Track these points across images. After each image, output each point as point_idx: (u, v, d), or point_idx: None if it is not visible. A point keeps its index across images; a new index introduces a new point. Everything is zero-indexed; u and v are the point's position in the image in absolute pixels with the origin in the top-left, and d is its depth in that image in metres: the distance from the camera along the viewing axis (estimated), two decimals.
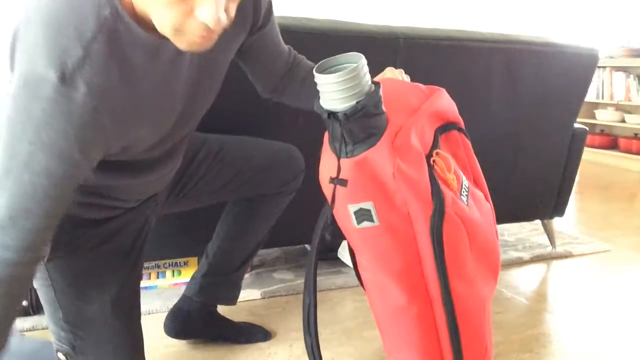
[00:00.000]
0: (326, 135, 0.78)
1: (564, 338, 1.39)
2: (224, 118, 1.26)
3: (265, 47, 0.96)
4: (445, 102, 0.92)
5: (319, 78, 0.71)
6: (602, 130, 4.39)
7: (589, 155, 4.18)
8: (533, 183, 1.88)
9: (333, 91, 0.70)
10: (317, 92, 0.73)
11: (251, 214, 1.18)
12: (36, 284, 0.90)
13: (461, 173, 0.88)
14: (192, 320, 1.23)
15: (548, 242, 2.06)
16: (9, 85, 0.65)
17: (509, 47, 1.61)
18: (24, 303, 1.33)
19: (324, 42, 1.36)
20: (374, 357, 1.26)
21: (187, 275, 1.56)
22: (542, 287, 1.72)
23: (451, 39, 1.52)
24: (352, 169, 0.72)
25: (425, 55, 1.50)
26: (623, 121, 4.07)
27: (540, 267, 1.90)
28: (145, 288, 1.52)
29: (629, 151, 3.95)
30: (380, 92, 0.73)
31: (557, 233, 2.14)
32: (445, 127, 0.91)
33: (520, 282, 1.75)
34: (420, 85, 0.93)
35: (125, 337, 0.92)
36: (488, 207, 0.93)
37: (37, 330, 1.30)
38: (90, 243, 0.87)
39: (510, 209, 1.90)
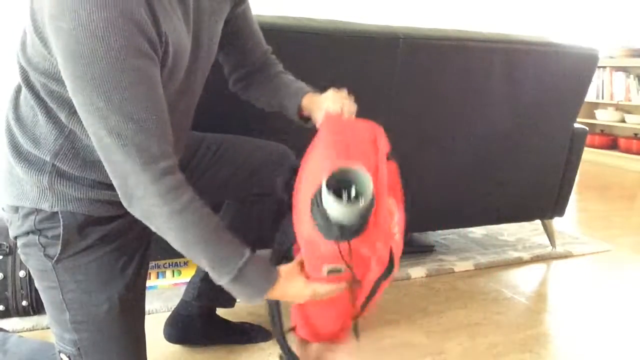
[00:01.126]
0: (304, 203, 0.81)
1: (564, 338, 1.39)
2: (219, 118, 1.26)
3: (244, 28, 1.03)
4: (384, 137, 1.00)
5: (332, 201, 0.73)
6: (602, 130, 4.39)
7: (589, 155, 4.18)
8: (533, 183, 1.88)
9: (341, 213, 0.74)
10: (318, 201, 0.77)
11: (247, 214, 1.18)
12: (41, 287, 0.89)
13: (393, 206, 0.98)
14: (193, 325, 1.23)
15: (548, 242, 2.06)
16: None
17: (509, 47, 1.61)
18: (24, 303, 1.33)
19: (324, 42, 1.36)
20: (374, 357, 1.26)
21: (187, 275, 1.56)
22: (542, 287, 1.72)
23: (451, 39, 1.52)
24: (339, 252, 0.80)
25: (425, 55, 1.50)
26: (623, 121, 4.07)
27: (540, 267, 1.90)
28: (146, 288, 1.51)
29: (629, 151, 3.95)
30: (374, 201, 0.78)
31: (557, 233, 2.14)
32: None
33: (520, 282, 1.75)
34: (363, 126, 0.96)
35: (130, 337, 0.93)
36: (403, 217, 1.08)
37: (37, 330, 1.30)
38: (99, 243, 0.87)
39: (510, 209, 1.90)
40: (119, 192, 0.77)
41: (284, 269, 0.86)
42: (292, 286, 0.85)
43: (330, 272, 0.83)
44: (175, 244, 0.79)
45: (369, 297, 0.91)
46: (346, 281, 0.86)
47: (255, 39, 1.07)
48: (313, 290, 0.85)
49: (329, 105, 0.95)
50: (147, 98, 0.72)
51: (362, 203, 0.74)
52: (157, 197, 0.74)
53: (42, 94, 0.79)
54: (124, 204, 0.78)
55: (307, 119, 1.02)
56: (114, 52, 0.66)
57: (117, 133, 0.71)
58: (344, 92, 0.98)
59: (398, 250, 0.93)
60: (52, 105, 0.79)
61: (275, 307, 0.94)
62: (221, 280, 0.81)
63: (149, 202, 0.75)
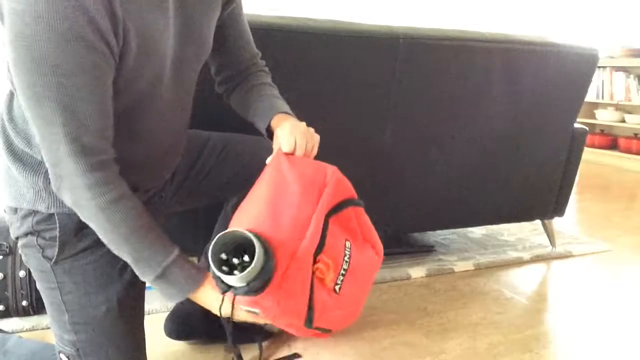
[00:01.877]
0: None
1: (564, 338, 1.39)
2: (220, 117, 1.26)
3: (234, 29, 1.01)
4: (338, 184, 0.99)
5: (217, 273, 0.79)
6: (602, 130, 4.39)
7: (589, 155, 4.18)
8: (533, 183, 1.88)
9: (230, 282, 0.79)
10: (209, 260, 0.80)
11: None
12: (42, 287, 0.89)
13: (345, 251, 1.00)
14: (193, 321, 1.23)
15: (548, 242, 2.06)
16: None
17: (509, 47, 1.61)
18: (24, 303, 1.33)
19: (324, 42, 1.36)
20: (374, 357, 1.26)
21: None
22: (542, 287, 1.72)
23: (451, 39, 1.52)
24: (241, 302, 0.85)
25: (425, 55, 1.50)
26: (623, 121, 4.07)
27: (540, 267, 1.90)
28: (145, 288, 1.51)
29: (629, 151, 3.95)
30: (271, 264, 0.80)
31: (557, 233, 2.14)
32: (338, 207, 1.00)
33: (520, 282, 1.75)
34: (313, 168, 0.95)
35: (129, 338, 0.93)
36: (369, 257, 1.09)
37: (37, 330, 1.30)
38: (96, 244, 0.87)
39: (510, 209, 1.90)
40: (50, 177, 0.77)
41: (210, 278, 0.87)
42: (215, 298, 0.85)
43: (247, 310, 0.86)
44: (101, 237, 0.80)
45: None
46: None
47: (243, 41, 1.05)
48: (233, 311, 0.85)
49: (282, 142, 0.93)
50: (86, 89, 0.70)
51: (244, 272, 0.77)
52: (84, 190, 0.75)
53: None
54: (54, 189, 0.78)
55: None
56: (56, 36, 0.65)
57: (51, 120, 0.70)
58: (302, 126, 0.95)
59: (335, 302, 0.95)
60: None
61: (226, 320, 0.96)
62: (144, 277, 0.82)
63: (76, 193, 0.75)
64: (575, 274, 1.84)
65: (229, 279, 0.79)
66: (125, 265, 0.91)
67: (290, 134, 0.92)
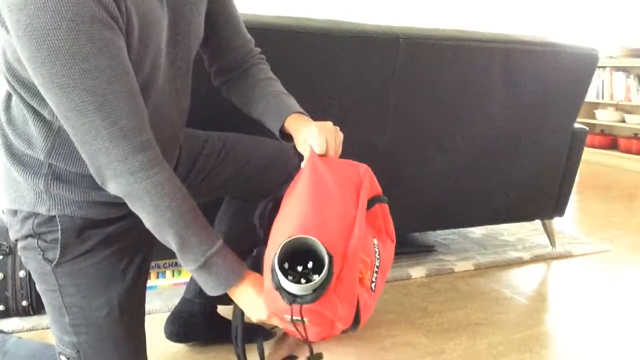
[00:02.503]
0: (268, 259, 0.81)
1: (564, 338, 1.39)
2: (220, 116, 1.26)
3: (226, 19, 0.99)
4: (371, 184, 0.99)
5: (284, 280, 0.73)
6: (602, 130, 4.39)
7: (589, 155, 4.18)
8: (533, 183, 1.88)
9: (295, 290, 0.74)
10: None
11: (248, 212, 1.18)
12: (42, 290, 0.89)
13: (375, 249, 0.98)
14: (194, 323, 1.23)
15: (548, 242, 2.06)
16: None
17: (509, 47, 1.61)
18: (24, 303, 1.33)
19: (324, 42, 1.36)
20: (374, 357, 1.26)
21: (187, 275, 1.56)
22: (542, 287, 1.72)
23: (451, 39, 1.52)
24: (297, 312, 0.79)
25: (425, 55, 1.50)
26: (623, 121, 4.07)
27: (540, 267, 1.90)
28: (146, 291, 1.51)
29: (629, 151, 3.95)
30: (332, 272, 0.76)
31: (557, 233, 2.14)
32: (368, 205, 0.99)
33: (520, 282, 1.75)
34: (348, 167, 0.95)
35: (129, 340, 0.92)
36: (390, 250, 1.08)
37: (37, 330, 1.30)
38: (98, 246, 0.87)
39: (510, 209, 1.90)
40: (92, 172, 0.75)
41: (254, 275, 0.85)
42: (253, 297, 0.84)
43: (294, 321, 0.82)
44: (146, 223, 0.78)
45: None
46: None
47: (233, 26, 1.01)
48: (267, 318, 0.83)
49: (313, 144, 0.91)
50: (110, 69, 0.68)
51: (315, 281, 0.73)
52: (128, 175, 0.73)
53: (22, 92, 0.78)
54: (99, 183, 0.76)
55: (290, 138, 0.99)
56: (67, 22, 0.64)
57: (83, 109, 0.68)
58: (329, 125, 0.94)
59: (372, 300, 0.93)
60: (32, 103, 0.78)
61: (240, 319, 0.95)
62: (187, 265, 0.80)
63: (120, 181, 0.74)
64: (575, 274, 1.84)
65: (296, 289, 0.74)
66: (127, 267, 0.91)
67: (320, 134, 0.91)
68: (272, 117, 1.00)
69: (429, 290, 1.65)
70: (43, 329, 1.30)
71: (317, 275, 0.74)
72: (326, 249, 0.76)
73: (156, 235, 0.80)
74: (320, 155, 0.92)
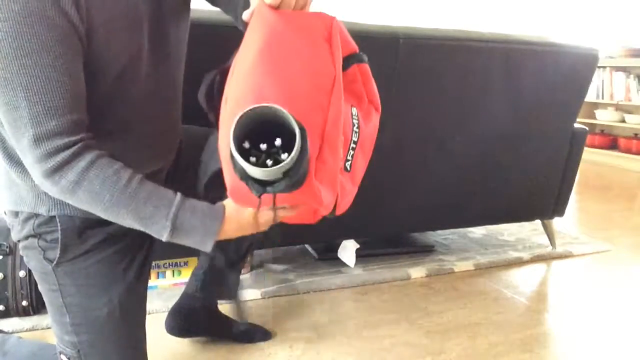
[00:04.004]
0: (222, 135, 0.68)
1: (565, 338, 1.39)
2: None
3: None
4: (343, 38, 0.81)
5: (244, 165, 0.59)
6: (602, 130, 4.39)
7: (589, 155, 4.18)
8: (533, 183, 1.88)
9: (263, 176, 0.61)
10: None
11: None
12: (43, 289, 0.89)
13: (353, 120, 0.82)
14: (195, 318, 1.23)
15: (548, 242, 2.06)
16: None
17: (509, 47, 1.61)
18: (24, 303, 1.33)
19: None
20: (374, 357, 1.26)
21: (187, 275, 1.56)
22: (542, 287, 1.72)
23: (451, 39, 1.52)
24: (274, 200, 0.67)
25: (425, 55, 1.50)
26: (623, 121, 4.07)
27: (540, 267, 1.90)
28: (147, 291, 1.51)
29: (629, 151, 3.95)
30: (307, 148, 0.62)
31: (557, 233, 2.14)
32: (343, 65, 0.81)
33: (520, 282, 1.75)
34: (312, 17, 0.76)
35: (130, 339, 0.92)
36: (374, 123, 0.92)
37: (37, 330, 1.30)
38: (98, 246, 0.87)
39: (510, 209, 1.90)
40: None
41: (228, 201, 0.78)
42: (244, 216, 0.76)
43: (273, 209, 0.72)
44: (100, 215, 0.75)
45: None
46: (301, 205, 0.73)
47: None
48: (270, 215, 0.76)
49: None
50: (51, 68, 0.66)
51: (285, 162, 0.59)
52: (46, 177, 0.71)
53: None
54: (37, 184, 0.74)
55: None
56: (13, 15, 0.62)
57: (14, 105, 0.67)
58: None
59: (348, 182, 0.80)
60: None
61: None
62: (161, 237, 0.75)
63: (47, 180, 0.71)
64: (575, 274, 1.84)
65: (262, 174, 0.60)
66: (127, 267, 0.90)
67: None
68: (232, 8, 0.89)
69: (429, 290, 1.65)
70: (43, 329, 1.30)
71: (286, 155, 0.60)
72: (296, 120, 0.59)
73: (122, 224, 0.76)
74: (272, 8, 0.73)
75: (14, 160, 0.82)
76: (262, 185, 0.62)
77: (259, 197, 0.63)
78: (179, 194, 0.77)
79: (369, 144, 0.90)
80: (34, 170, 0.72)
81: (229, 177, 0.67)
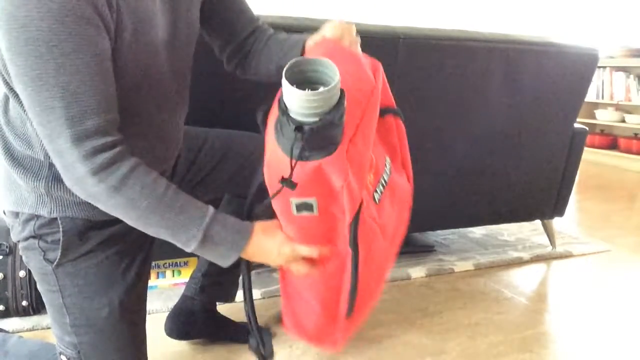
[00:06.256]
0: (272, 123, 0.75)
1: (564, 338, 1.39)
2: (219, 114, 1.26)
3: (229, 2, 0.98)
4: (385, 85, 0.91)
5: (291, 91, 0.67)
6: (602, 130, 4.39)
7: (589, 155, 4.18)
8: (533, 183, 1.88)
9: (303, 106, 0.68)
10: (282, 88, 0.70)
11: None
12: (43, 290, 0.89)
13: (386, 164, 0.88)
14: (195, 320, 1.23)
15: (548, 242, 2.06)
16: None
17: (509, 47, 1.61)
18: (24, 303, 1.33)
19: None
20: (373, 357, 1.26)
21: (187, 275, 1.56)
22: (542, 287, 1.72)
23: (451, 39, 1.52)
24: (305, 175, 0.72)
25: (425, 55, 1.50)
26: (623, 121, 4.07)
27: (540, 267, 1.90)
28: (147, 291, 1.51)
29: (629, 151, 3.95)
30: (344, 105, 0.71)
31: (557, 233, 2.14)
32: (379, 111, 0.90)
33: (520, 282, 1.75)
34: (362, 58, 0.88)
35: (130, 340, 0.92)
36: (406, 188, 0.98)
37: (37, 330, 1.30)
38: (99, 247, 0.87)
39: (510, 209, 1.90)
40: (61, 174, 0.73)
41: (260, 223, 0.82)
42: (270, 241, 0.80)
43: (299, 208, 0.75)
44: (129, 221, 0.76)
45: (353, 290, 0.82)
46: (326, 248, 0.79)
47: (241, 8, 1.01)
48: (292, 249, 0.80)
49: (328, 31, 0.87)
50: (86, 68, 0.67)
51: (326, 89, 0.65)
52: (91, 176, 0.71)
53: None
54: (68, 186, 0.74)
55: None
56: (51, 14, 0.62)
57: (51, 105, 0.67)
58: (350, 25, 0.89)
59: (378, 215, 0.84)
60: None
61: (246, 271, 0.91)
62: (188, 246, 0.77)
63: (85, 182, 0.72)
64: (575, 274, 1.84)
65: (303, 96, 0.65)
66: (127, 268, 0.90)
67: (337, 26, 0.88)
68: (290, 55, 0.95)
69: (429, 290, 1.65)
70: (43, 329, 1.30)
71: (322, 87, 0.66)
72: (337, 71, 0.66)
73: (146, 231, 0.77)
74: (330, 41, 0.85)
75: (17, 162, 0.82)
76: (295, 123, 0.67)
77: (291, 149, 0.68)
78: (211, 207, 0.79)
79: (400, 203, 0.94)
80: (74, 170, 0.71)
81: (269, 149, 0.73)
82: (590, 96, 4.18)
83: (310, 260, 0.84)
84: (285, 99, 0.68)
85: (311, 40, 0.92)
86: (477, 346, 1.33)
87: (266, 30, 1.03)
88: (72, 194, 0.82)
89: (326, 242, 0.82)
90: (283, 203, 0.78)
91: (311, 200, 0.75)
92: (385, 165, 0.89)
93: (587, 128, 1.93)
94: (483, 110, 1.67)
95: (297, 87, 0.67)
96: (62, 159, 0.71)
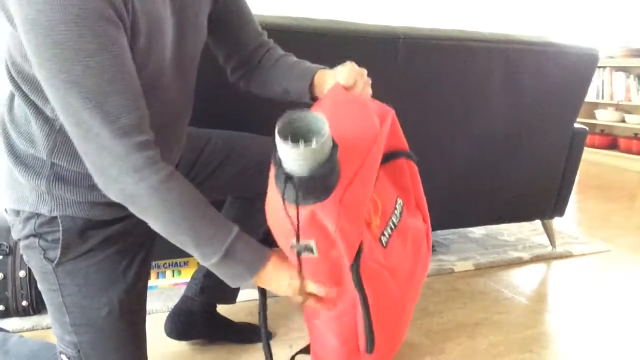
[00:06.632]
0: (272, 171, 0.78)
1: (564, 338, 1.39)
2: (221, 116, 1.26)
3: (233, 9, 0.99)
4: (393, 128, 0.95)
5: (282, 144, 0.69)
6: (602, 130, 4.39)
7: (589, 155, 4.18)
8: (533, 183, 1.88)
9: (294, 159, 0.70)
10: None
11: (250, 212, 1.18)
12: (43, 289, 0.89)
13: (396, 206, 0.92)
14: (194, 321, 1.23)
15: (548, 242, 2.07)
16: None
17: (509, 47, 1.61)
18: (24, 303, 1.33)
19: (324, 42, 1.36)
20: None
21: (187, 275, 1.56)
22: (542, 287, 1.72)
23: (451, 39, 1.52)
24: (301, 219, 0.75)
25: (425, 55, 1.50)
26: (623, 121, 4.07)
27: (540, 267, 1.90)
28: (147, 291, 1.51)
29: (629, 151, 3.95)
30: (336, 157, 0.73)
31: (557, 233, 2.14)
32: (390, 156, 0.95)
33: (520, 282, 1.75)
34: (373, 104, 0.93)
35: (130, 340, 0.92)
36: (421, 229, 1.01)
37: (37, 330, 1.30)
38: (99, 246, 0.87)
39: (510, 209, 1.90)
40: (94, 175, 0.74)
41: (277, 251, 0.84)
42: (284, 270, 0.82)
43: (299, 250, 0.78)
44: (157, 225, 0.76)
45: (369, 330, 0.86)
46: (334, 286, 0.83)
47: (245, 20, 1.02)
48: (302, 283, 0.82)
49: (340, 77, 0.90)
50: (112, 67, 0.68)
51: (315, 145, 0.68)
52: (132, 173, 0.71)
53: (25, 88, 0.78)
54: (101, 187, 0.75)
55: None
56: (72, 17, 0.63)
57: (82, 106, 0.67)
58: (363, 70, 0.93)
59: (385, 259, 0.88)
60: (35, 99, 0.78)
61: (263, 313, 0.93)
62: (208, 259, 0.78)
63: (124, 181, 0.72)
64: (575, 274, 1.84)
65: (291, 154, 0.68)
66: (127, 267, 0.91)
67: (350, 72, 0.90)
68: (299, 78, 0.98)
69: (429, 290, 1.65)
70: (43, 329, 1.30)
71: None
72: (327, 123, 0.69)
73: (169, 237, 0.77)
74: (343, 89, 0.89)
75: (20, 160, 0.82)
76: (287, 177, 0.70)
77: (284, 184, 0.71)
78: (236, 225, 0.80)
79: (414, 245, 0.97)
80: (112, 169, 0.71)
81: (270, 197, 0.76)
82: (590, 96, 4.18)
83: (318, 298, 0.86)
84: (278, 151, 0.71)
85: (323, 74, 0.94)
86: (477, 346, 1.33)
87: (275, 49, 1.05)
88: (73, 192, 0.82)
89: (332, 282, 0.84)
90: (286, 247, 0.82)
91: (310, 242, 0.77)
92: (396, 207, 0.92)
93: (587, 128, 1.93)
94: (483, 110, 1.67)
95: (290, 138, 0.70)
96: (99, 159, 0.71)
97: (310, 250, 0.78)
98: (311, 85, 0.96)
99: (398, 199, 0.94)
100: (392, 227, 0.91)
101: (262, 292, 0.91)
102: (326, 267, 0.82)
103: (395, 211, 0.92)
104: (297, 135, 0.72)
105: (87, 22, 0.64)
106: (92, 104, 0.68)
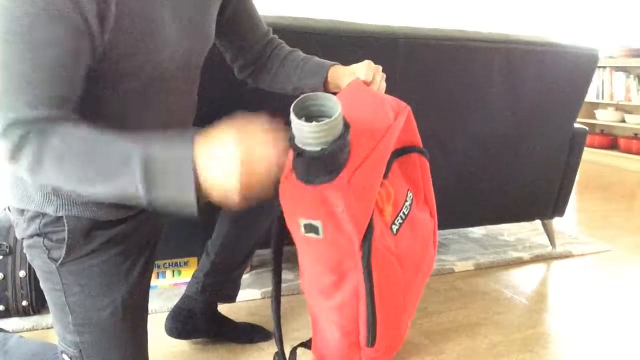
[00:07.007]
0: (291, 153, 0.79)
1: (564, 338, 1.39)
2: (227, 117, 1.26)
3: (241, 10, 1.00)
4: (408, 124, 0.98)
5: (295, 121, 0.72)
6: (602, 130, 4.39)
7: (589, 155, 4.18)
8: (533, 183, 1.88)
9: (306, 137, 0.73)
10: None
11: (249, 212, 1.18)
12: (46, 288, 0.89)
13: (407, 199, 0.95)
14: (195, 320, 1.23)
15: (548, 242, 2.07)
16: None
17: (509, 47, 1.61)
18: (24, 303, 1.33)
19: (324, 42, 1.36)
20: None
21: (187, 275, 1.56)
22: (542, 287, 1.72)
23: (451, 39, 1.52)
24: (309, 197, 0.77)
25: (425, 55, 1.50)
26: (623, 121, 4.07)
27: (540, 267, 1.90)
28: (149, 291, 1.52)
29: (629, 151, 3.95)
30: (347, 138, 0.76)
31: (557, 233, 2.14)
32: (403, 150, 0.98)
33: (520, 282, 1.75)
34: (390, 99, 0.96)
35: (132, 340, 0.92)
36: (429, 224, 1.04)
37: (37, 330, 1.30)
38: (103, 246, 0.87)
39: (510, 209, 1.90)
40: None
41: (209, 131, 0.68)
42: (225, 151, 0.63)
43: (306, 229, 0.78)
44: (68, 186, 0.69)
45: (372, 316, 0.86)
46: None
47: (253, 21, 1.04)
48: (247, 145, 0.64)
49: (360, 73, 0.93)
50: (50, 61, 0.65)
51: (326, 122, 0.70)
52: (9, 154, 0.67)
53: None
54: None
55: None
56: (35, 10, 0.63)
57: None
58: (378, 66, 0.96)
59: (395, 246, 0.88)
60: None
61: (276, 313, 0.93)
62: (139, 197, 0.66)
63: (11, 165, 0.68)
64: (575, 274, 1.84)
65: (303, 131, 0.70)
66: (131, 268, 0.90)
67: (369, 68, 0.94)
68: (312, 74, 0.99)
69: (428, 290, 1.65)
70: (43, 329, 1.30)
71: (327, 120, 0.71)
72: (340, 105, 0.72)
73: (92, 196, 0.69)
74: (362, 83, 0.93)
75: None
76: (298, 148, 0.73)
77: (305, 162, 0.73)
78: (140, 138, 0.68)
79: (421, 239, 0.99)
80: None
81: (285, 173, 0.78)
82: (590, 96, 4.18)
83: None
84: (293, 129, 0.74)
85: (337, 70, 0.97)
86: (477, 346, 1.33)
87: (282, 47, 1.06)
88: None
89: (334, 270, 0.84)
90: (294, 222, 0.82)
91: (317, 222, 0.78)
92: (407, 199, 0.94)
93: (587, 128, 1.93)
94: (483, 110, 1.67)
95: (305, 119, 0.73)
96: None
97: (316, 230, 0.79)
98: (325, 81, 0.98)
99: (408, 191, 0.96)
100: (403, 217, 0.94)
101: (276, 272, 0.90)
102: (330, 252, 0.82)
103: (406, 203, 0.95)
104: (312, 115, 0.76)
105: (45, 18, 0.63)
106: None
